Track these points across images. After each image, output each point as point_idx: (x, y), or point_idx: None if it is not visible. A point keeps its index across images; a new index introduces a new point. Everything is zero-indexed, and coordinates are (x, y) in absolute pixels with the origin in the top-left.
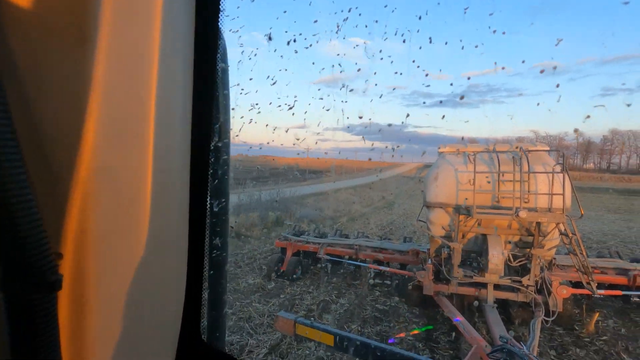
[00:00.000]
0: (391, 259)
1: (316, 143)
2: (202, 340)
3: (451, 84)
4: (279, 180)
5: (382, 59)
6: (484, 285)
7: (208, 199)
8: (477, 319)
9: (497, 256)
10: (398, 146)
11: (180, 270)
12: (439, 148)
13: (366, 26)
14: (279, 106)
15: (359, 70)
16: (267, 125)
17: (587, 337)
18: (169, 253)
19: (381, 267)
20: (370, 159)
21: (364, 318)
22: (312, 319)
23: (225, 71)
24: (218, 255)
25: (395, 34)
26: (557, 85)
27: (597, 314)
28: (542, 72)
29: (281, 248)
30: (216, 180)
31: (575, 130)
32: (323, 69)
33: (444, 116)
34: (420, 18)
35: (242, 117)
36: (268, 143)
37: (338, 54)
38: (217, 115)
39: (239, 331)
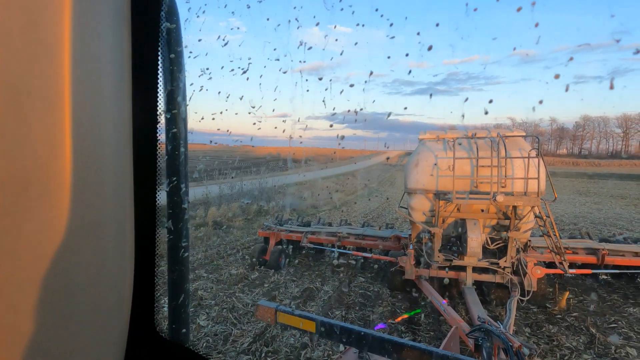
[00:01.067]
0: (374, 245)
1: (281, 130)
2: (157, 333)
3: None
4: (260, 170)
5: (361, 42)
6: (463, 268)
7: (158, 180)
8: (457, 301)
9: (475, 240)
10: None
11: (124, 261)
12: (420, 135)
13: (352, 12)
14: (232, 70)
15: (331, 58)
16: (219, 92)
17: (559, 314)
18: (106, 242)
19: (364, 254)
20: (342, 147)
21: (348, 304)
22: (293, 306)
23: (172, 32)
24: (175, 243)
25: (367, 24)
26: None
27: (569, 292)
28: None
29: (264, 237)
30: (168, 158)
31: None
32: (285, 55)
33: (405, 107)
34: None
35: (191, 84)
36: (252, 138)
37: (309, 43)
38: (168, 84)
39: (223, 321)
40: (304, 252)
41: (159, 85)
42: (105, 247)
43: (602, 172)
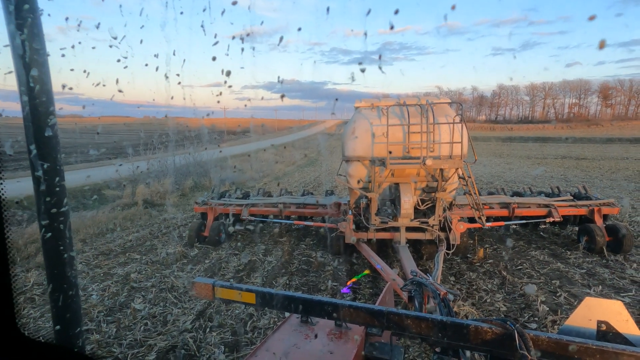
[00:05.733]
0: (315, 213)
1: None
2: (19, 332)
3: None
4: (194, 143)
5: (297, 10)
6: (397, 229)
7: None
8: (393, 259)
9: (408, 202)
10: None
11: None
12: (355, 103)
13: None
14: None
15: (262, 22)
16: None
17: (478, 262)
18: None
19: (305, 222)
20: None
21: (292, 271)
22: (230, 280)
23: None
24: (46, 232)
25: None
26: None
27: (482, 249)
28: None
29: (201, 213)
30: (31, 132)
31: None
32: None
33: (363, 69)
34: None
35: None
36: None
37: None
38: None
39: (162, 302)
40: (244, 225)
41: None
42: None
43: (513, 136)
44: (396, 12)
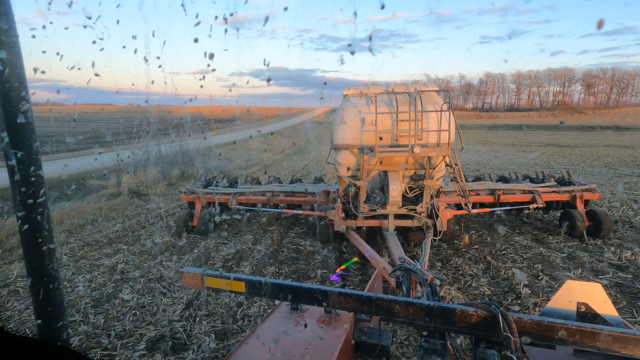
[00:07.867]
0: (304, 201)
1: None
2: None
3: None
4: (180, 132)
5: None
6: (386, 216)
7: None
8: (381, 246)
9: (396, 190)
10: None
11: None
12: (344, 91)
13: None
14: None
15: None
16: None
17: (463, 248)
18: None
19: (294, 211)
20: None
21: (281, 260)
22: (220, 270)
23: None
24: (23, 225)
25: None
26: None
27: (468, 235)
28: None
29: (189, 202)
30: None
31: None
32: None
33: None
34: None
35: None
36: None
37: None
38: None
39: (151, 292)
40: (232, 214)
41: None
42: None
43: (499, 124)
44: None
